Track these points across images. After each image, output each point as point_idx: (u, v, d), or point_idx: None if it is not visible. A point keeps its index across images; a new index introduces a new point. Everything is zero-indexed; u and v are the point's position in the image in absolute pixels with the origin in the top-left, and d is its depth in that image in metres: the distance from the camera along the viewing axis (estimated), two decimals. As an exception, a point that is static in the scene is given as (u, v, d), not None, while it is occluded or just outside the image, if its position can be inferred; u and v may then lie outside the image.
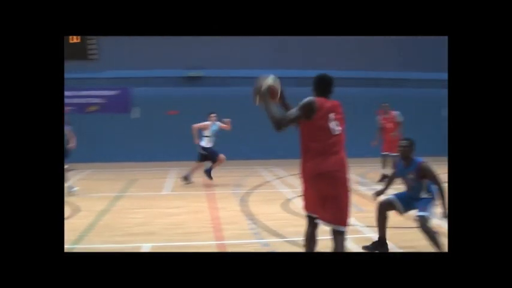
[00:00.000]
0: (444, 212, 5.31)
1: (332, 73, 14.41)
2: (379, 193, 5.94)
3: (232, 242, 6.22)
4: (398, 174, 5.90)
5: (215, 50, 17.30)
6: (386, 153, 11.34)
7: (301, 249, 5.37)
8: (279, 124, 4.02)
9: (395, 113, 11.69)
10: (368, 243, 5.80)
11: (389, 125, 11.55)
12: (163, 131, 17.80)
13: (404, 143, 5.71)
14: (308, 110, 4.08)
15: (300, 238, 5.82)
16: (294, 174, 12.66)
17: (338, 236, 4.35)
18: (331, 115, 4.16)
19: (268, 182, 12.05)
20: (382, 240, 5.74)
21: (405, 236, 6.24)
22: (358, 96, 16.70)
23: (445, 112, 16.63)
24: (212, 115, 11.75)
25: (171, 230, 6.97)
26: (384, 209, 5.70)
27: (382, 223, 5.72)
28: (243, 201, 9.25)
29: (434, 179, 5.45)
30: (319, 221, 4.44)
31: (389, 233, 5.83)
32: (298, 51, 17.23)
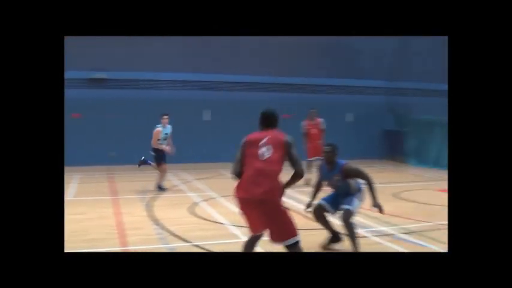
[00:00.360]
0: (374, 202, 5.76)
1: (245, 78, 14.50)
2: (308, 205, 6.25)
3: (138, 247, 6.17)
4: (323, 178, 6.23)
5: (120, 52, 16.82)
6: (314, 158, 11.58)
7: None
8: (234, 172, 4.80)
9: (320, 120, 12.09)
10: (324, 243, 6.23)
11: (314, 131, 11.94)
12: (65, 134, 17.14)
13: (328, 148, 6.06)
14: (241, 147, 4.72)
15: (207, 242, 6.29)
16: (199, 179, 12.90)
17: (294, 248, 4.61)
18: (260, 143, 4.56)
19: (174, 186, 11.98)
20: (333, 233, 6.15)
21: (310, 237, 6.40)
22: (271, 100, 17.06)
23: (349, 117, 17.24)
24: (165, 117, 11.28)
25: (75, 236, 6.61)
26: (317, 214, 6.12)
27: (324, 223, 6.14)
28: (149, 206, 9.17)
29: (360, 176, 5.91)
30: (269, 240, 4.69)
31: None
32: (208, 54, 17.13)
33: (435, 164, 15.30)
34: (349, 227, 5.70)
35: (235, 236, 6.82)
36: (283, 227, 4.52)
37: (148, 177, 12.40)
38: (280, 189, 4.52)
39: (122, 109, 15.16)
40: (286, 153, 4.51)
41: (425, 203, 9.76)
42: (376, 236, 6.94)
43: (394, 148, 11.22)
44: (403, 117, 17.39)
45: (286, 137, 4.61)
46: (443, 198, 9.73)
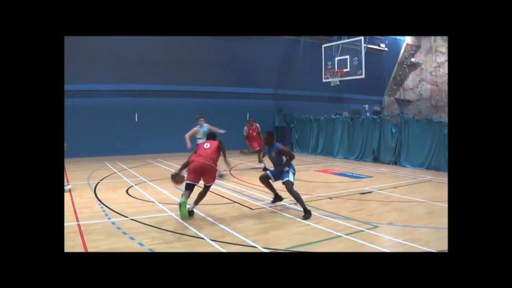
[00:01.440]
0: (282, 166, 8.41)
1: (168, 87, 17.04)
2: (264, 169, 10.48)
3: (87, 222, 7.49)
4: (267, 153, 8.80)
5: (69, 70, 18.04)
6: (258, 148, 14.70)
7: (144, 226, 7.23)
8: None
9: (257, 125, 15.84)
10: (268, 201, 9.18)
11: (254, 134, 15.68)
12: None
13: (266, 134, 8.74)
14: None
15: (141, 216, 7.92)
16: (132, 167, 15.78)
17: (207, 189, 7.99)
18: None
19: (113, 173, 14.21)
20: (275, 195, 8.99)
21: (215, 211, 8.60)
22: (180, 104, 20.20)
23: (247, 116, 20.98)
24: (201, 119, 13.84)
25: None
26: (263, 179, 8.78)
27: (268, 186, 8.87)
28: (94, 190, 10.99)
29: (287, 154, 8.48)
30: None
31: (205, 208, 8.48)
32: (138, 68, 19.88)
33: (313, 151, 20.89)
34: (294, 193, 8.15)
35: (163, 211, 8.55)
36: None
37: (92, 167, 14.48)
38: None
39: (72, 113, 17.07)
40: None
41: (307, 181, 12.61)
42: (271, 207, 9.03)
43: (283, 140, 14.00)
44: (288, 116, 23.40)
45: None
46: (321, 176, 12.69)
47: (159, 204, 9.30)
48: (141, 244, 6.31)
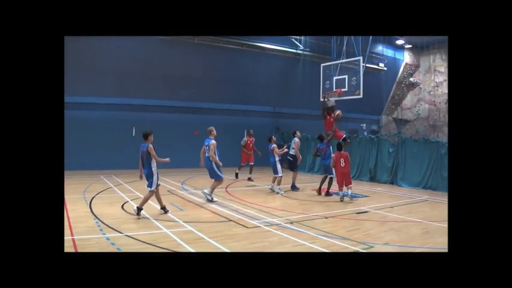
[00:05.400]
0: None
1: (168, 102, 17.12)
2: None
3: (82, 236, 7.22)
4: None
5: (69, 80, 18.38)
6: (250, 163, 16.50)
7: (137, 243, 6.90)
8: None
9: (254, 138, 16.96)
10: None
11: (250, 145, 17.02)
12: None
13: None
14: None
15: (136, 233, 7.68)
16: (128, 182, 15.28)
17: None
18: None
19: (110, 188, 13.97)
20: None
21: (210, 229, 8.62)
22: (180, 120, 20.02)
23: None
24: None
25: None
26: None
27: None
28: (90, 204, 10.78)
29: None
30: None
31: (201, 226, 8.31)
32: (135, 83, 20.14)
33: (309, 170, 21.02)
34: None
35: (158, 228, 8.41)
36: None
37: (88, 181, 14.46)
38: None
39: (68, 126, 17.14)
40: None
41: (303, 200, 12.53)
42: (266, 225, 8.81)
43: (282, 158, 14.10)
44: (285, 134, 23.27)
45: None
46: (316, 195, 12.57)
47: (154, 221, 9.22)
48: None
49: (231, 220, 9.72)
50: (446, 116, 19.00)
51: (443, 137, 17.55)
